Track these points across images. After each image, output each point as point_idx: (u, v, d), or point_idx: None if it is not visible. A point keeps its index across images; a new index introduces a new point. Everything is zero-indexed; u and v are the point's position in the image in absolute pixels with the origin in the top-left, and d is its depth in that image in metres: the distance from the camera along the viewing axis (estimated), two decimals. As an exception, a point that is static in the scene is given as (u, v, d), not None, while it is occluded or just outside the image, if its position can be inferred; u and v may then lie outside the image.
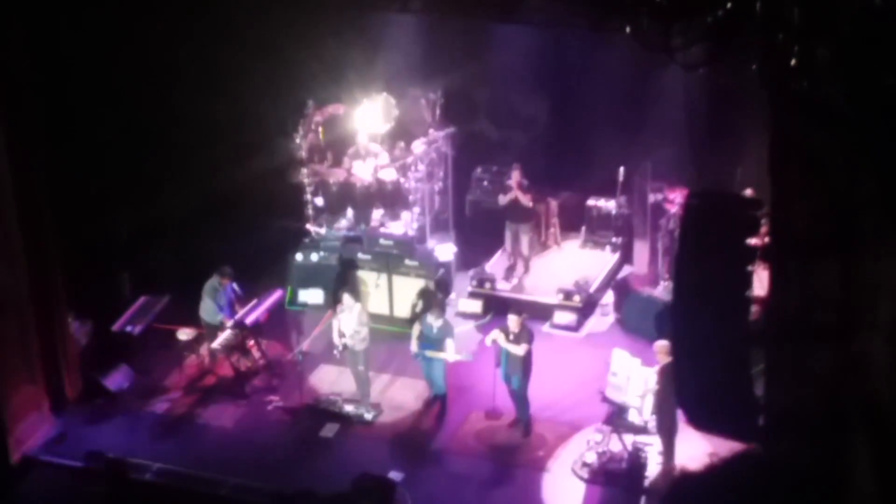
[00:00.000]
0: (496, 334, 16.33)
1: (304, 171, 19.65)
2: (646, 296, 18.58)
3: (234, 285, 18.14)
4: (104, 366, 17.77)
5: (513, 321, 16.29)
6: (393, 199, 20.01)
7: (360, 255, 19.34)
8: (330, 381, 17.84)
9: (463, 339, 17.54)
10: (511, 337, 16.22)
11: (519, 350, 16.14)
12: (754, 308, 12.09)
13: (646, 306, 18.37)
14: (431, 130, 19.98)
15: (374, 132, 20.22)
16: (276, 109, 19.63)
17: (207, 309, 17.91)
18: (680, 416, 14.41)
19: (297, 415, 17.22)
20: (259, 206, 20.14)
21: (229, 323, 17.81)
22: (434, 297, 18.35)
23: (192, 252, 19.45)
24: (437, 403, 17.22)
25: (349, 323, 17.01)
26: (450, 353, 16.74)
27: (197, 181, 19.34)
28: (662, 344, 15.34)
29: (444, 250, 19.78)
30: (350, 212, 20.15)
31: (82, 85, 17.56)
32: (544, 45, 19.06)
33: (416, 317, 17.82)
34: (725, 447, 14.97)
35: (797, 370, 11.75)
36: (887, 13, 9.77)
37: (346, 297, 17.14)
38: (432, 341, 16.79)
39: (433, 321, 16.82)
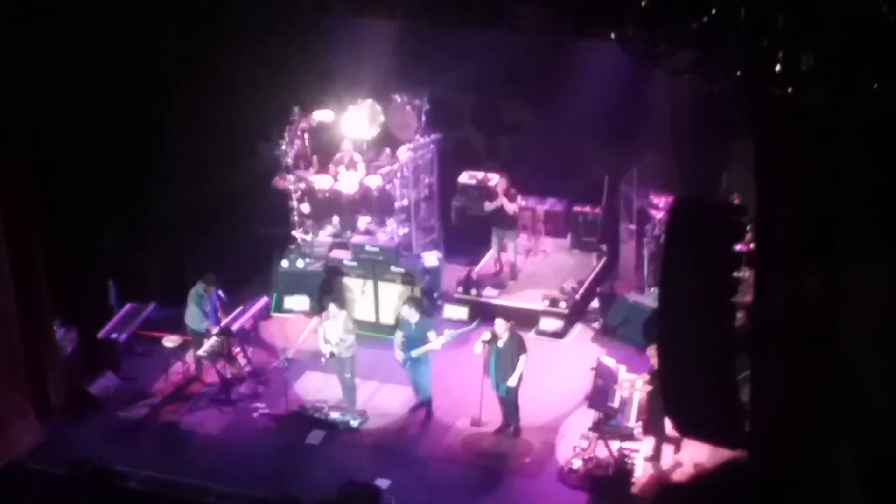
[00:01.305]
0: (487, 336, 16.36)
1: (290, 177, 19.60)
2: (632, 302, 18.58)
3: (220, 292, 18.10)
4: (90, 373, 17.74)
5: (500, 325, 16.29)
6: (379, 205, 19.98)
7: (346, 262, 19.32)
8: (316, 388, 17.80)
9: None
10: (501, 343, 16.22)
11: (520, 366, 16.24)
12: (740, 314, 12.12)
13: (632, 313, 18.38)
14: (417, 137, 19.95)
15: (360, 139, 20.20)
16: (262, 116, 19.60)
17: (193, 316, 17.87)
18: (667, 421, 14.44)
19: (282, 422, 17.18)
20: (244, 213, 20.11)
21: (215, 330, 17.77)
22: (412, 297, 18.27)
23: (177, 259, 19.43)
24: (423, 410, 17.19)
25: (335, 331, 16.99)
26: (434, 342, 16.72)
27: (182, 188, 19.30)
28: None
29: (430, 257, 19.75)
30: (336, 219, 20.12)
31: (67, 92, 17.48)
32: (530, 52, 19.03)
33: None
34: (711, 453, 15.09)
35: (782, 376, 11.78)
36: (871, 20, 9.81)
37: (332, 307, 17.13)
38: (414, 339, 16.76)
39: (409, 316, 16.79)
